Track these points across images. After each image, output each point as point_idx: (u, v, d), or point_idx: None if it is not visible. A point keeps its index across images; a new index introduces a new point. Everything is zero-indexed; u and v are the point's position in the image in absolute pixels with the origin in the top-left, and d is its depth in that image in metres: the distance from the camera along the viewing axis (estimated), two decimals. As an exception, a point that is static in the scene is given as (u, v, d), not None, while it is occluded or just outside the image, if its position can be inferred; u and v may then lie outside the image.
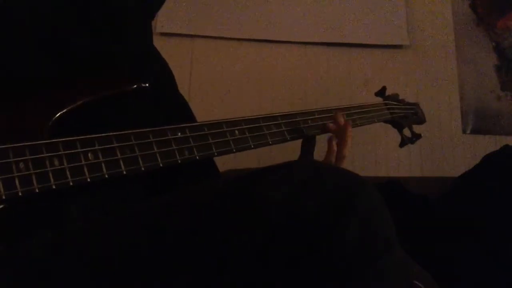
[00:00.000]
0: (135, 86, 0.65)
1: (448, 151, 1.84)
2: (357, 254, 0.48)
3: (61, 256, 0.52)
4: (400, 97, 1.22)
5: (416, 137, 1.19)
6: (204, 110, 1.63)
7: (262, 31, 1.75)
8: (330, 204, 0.49)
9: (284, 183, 0.51)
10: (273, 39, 1.76)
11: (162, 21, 1.65)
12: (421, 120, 1.25)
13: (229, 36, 1.73)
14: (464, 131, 1.87)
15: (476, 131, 1.87)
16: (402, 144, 1.19)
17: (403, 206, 1.33)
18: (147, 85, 0.65)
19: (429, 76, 1.87)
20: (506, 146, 1.46)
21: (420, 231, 1.26)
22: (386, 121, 1.14)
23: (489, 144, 1.85)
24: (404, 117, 1.18)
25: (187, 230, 0.50)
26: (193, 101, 1.60)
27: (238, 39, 1.74)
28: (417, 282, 0.85)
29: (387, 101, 1.15)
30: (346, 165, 0.91)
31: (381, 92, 1.19)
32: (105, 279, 0.50)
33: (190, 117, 0.85)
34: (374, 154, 1.76)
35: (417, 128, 1.23)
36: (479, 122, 1.89)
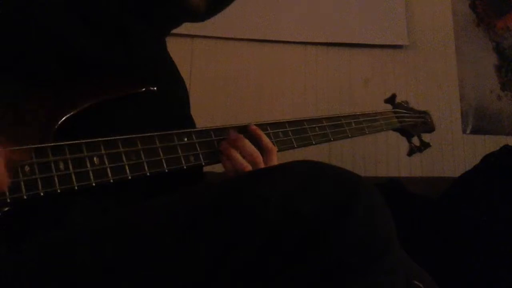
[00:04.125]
0: (143, 89, 0.65)
1: (448, 151, 1.83)
2: (357, 254, 0.48)
3: (60, 256, 0.51)
4: (410, 105, 1.20)
5: (425, 146, 1.18)
6: (204, 110, 1.63)
7: (262, 31, 1.75)
8: (330, 204, 0.49)
9: (282, 183, 0.51)
10: (273, 39, 1.76)
11: (162, 21, 1.65)
12: (430, 129, 1.23)
13: (229, 36, 1.73)
14: (464, 131, 1.87)
15: (476, 131, 1.87)
16: (410, 152, 1.17)
17: (403, 206, 1.33)
18: (155, 88, 0.66)
19: (429, 76, 1.87)
20: (506, 146, 1.46)
21: (420, 231, 1.26)
22: (394, 130, 1.13)
23: (489, 144, 1.85)
24: (413, 125, 1.16)
25: (185, 231, 0.50)
26: (193, 101, 1.60)
27: (238, 39, 1.73)
28: (417, 282, 0.85)
29: (396, 109, 1.13)
30: (347, 165, 0.90)
31: (390, 99, 1.17)
32: (103, 280, 0.50)
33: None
34: (374, 154, 1.76)
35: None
36: (479, 122, 1.89)
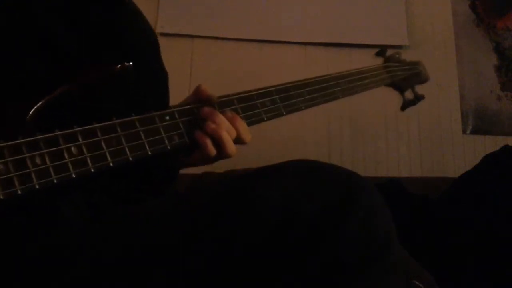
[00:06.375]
0: (119, 66, 0.61)
1: (448, 151, 1.84)
2: (356, 254, 0.48)
3: (61, 257, 0.51)
4: (402, 57, 1.15)
5: (418, 98, 1.12)
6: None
7: (262, 31, 1.75)
8: (330, 204, 0.49)
9: (282, 183, 0.51)
10: (273, 39, 1.76)
11: (162, 21, 1.65)
12: (424, 79, 1.16)
13: (229, 36, 1.73)
14: (464, 131, 1.87)
15: (476, 131, 1.87)
16: (403, 106, 1.12)
17: (403, 206, 1.33)
18: (130, 64, 0.61)
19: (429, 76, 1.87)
20: (506, 146, 1.46)
21: (420, 231, 1.26)
22: (386, 85, 1.08)
23: (489, 144, 1.85)
24: (405, 78, 1.11)
25: (185, 231, 0.50)
26: (193, 101, 1.60)
27: (238, 39, 1.74)
28: (417, 282, 0.85)
29: (387, 64, 1.08)
30: (347, 165, 0.90)
31: (381, 52, 1.12)
32: (104, 277, 0.50)
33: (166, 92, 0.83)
34: (374, 154, 1.76)
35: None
36: (479, 122, 1.89)
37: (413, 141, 1.80)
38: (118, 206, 0.64)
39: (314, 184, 0.51)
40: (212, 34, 1.71)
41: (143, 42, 0.81)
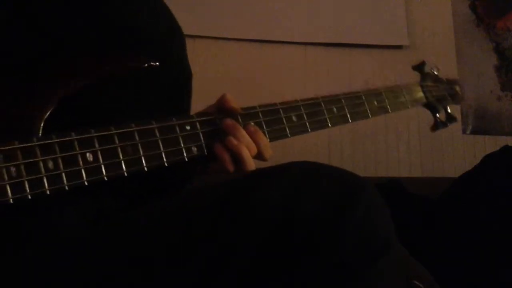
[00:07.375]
0: (146, 65, 0.59)
1: (448, 151, 1.84)
2: (356, 254, 0.48)
3: (62, 259, 0.52)
4: (440, 73, 1.09)
5: (450, 120, 1.07)
6: (204, 110, 1.63)
7: (262, 31, 1.75)
8: (330, 204, 0.49)
9: (282, 183, 0.51)
10: (273, 39, 1.76)
11: (162, 21, 1.65)
12: (459, 100, 1.11)
13: (229, 36, 1.73)
14: (464, 132, 1.87)
15: (476, 131, 1.88)
16: (434, 128, 1.07)
17: (403, 206, 1.33)
18: (157, 64, 0.60)
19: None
20: (506, 146, 1.46)
21: (420, 231, 1.26)
22: (420, 105, 1.04)
23: (489, 144, 1.85)
24: (440, 99, 1.05)
25: (186, 231, 0.50)
26: (193, 101, 1.60)
27: (239, 39, 1.74)
28: (416, 282, 0.85)
29: (423, 83, 1.03)
30: (347, 165, 0.89)
31: (419, 67, 1.06)
32: (105, 278, 0.50)
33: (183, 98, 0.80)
34: (374, 154, 1.76)
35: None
36: (479, 123, 1.89)
37: (413, 141, 1.80)
38: (123, 208, 0.63)
39: (314, 184, 0.51)
40: (212, 34, 1.71)
41: (164, 35, 0.79)
